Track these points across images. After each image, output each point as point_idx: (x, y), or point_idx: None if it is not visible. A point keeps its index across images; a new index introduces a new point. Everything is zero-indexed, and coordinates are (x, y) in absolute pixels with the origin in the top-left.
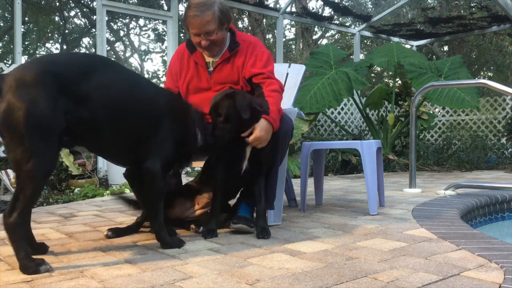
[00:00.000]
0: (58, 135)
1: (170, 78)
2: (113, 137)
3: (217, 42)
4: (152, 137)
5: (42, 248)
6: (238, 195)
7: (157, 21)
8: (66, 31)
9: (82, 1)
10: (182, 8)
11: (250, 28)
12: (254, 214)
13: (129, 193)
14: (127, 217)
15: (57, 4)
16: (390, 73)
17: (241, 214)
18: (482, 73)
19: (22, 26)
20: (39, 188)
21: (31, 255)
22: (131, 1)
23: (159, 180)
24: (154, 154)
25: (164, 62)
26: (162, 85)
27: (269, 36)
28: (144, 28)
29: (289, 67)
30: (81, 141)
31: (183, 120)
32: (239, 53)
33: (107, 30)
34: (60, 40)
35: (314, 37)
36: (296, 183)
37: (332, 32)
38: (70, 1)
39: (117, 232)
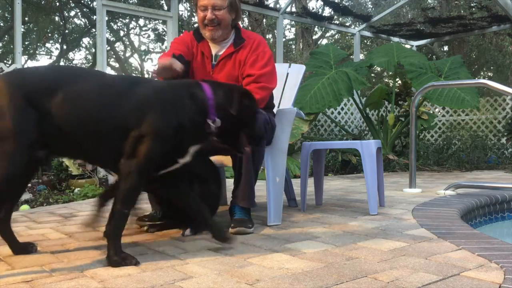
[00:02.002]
0: (28, 146)
1: (178, 45)
2: (93, 145)
3: (221, 22)
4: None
5: (28, 248)
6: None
7: (157, 21)
8: (66, 31)
9: (82, 1)
10: (182, 8)
11: (250, 28)
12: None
13: None
14: None
15: (57, 4)
16: (390, 73)
17: (237, 216)
18: (482, 73)
19: (22, 26)
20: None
21: None
22: (131, 1)
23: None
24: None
25: None
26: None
27: (269, 36)
28: (144, 28)
29: (289, 67)
30: (62, 152)
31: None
32: (243, 49)
33: (107, 30)
34: (60, 40)
35: (314, 37)
36: (296, 183)
37: (332, 32)
38: (70, 1)
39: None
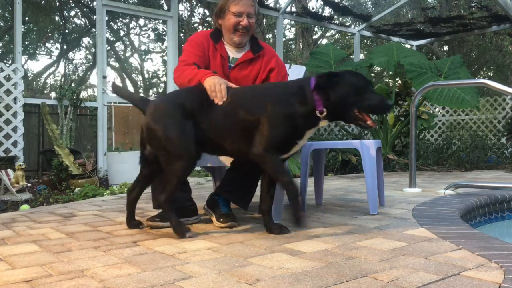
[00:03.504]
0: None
1: (196, 51)
2: (228, 144)
3: (251, 29)
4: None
5: (138, 225)
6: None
7: (157, 21)
8: (66, 31)
9: (82, 1)
10: (182, 8)
11: None
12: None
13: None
14: None
15: (57, 4)
16: (390, 73)
17: (224, 211)
18: (482, 73)
19: (22, 26)
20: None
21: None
22: (131, 1)
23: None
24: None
25: (164, 62)
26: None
27: (269, 36)
28: (144, 28)
29: (289, 68)
30: (207, 150)
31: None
32: (261, 57)
33: (107, 30)
34: (60, 40)
35: (314, 37)
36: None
37: (332, 32)
38: (70, 1)
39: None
